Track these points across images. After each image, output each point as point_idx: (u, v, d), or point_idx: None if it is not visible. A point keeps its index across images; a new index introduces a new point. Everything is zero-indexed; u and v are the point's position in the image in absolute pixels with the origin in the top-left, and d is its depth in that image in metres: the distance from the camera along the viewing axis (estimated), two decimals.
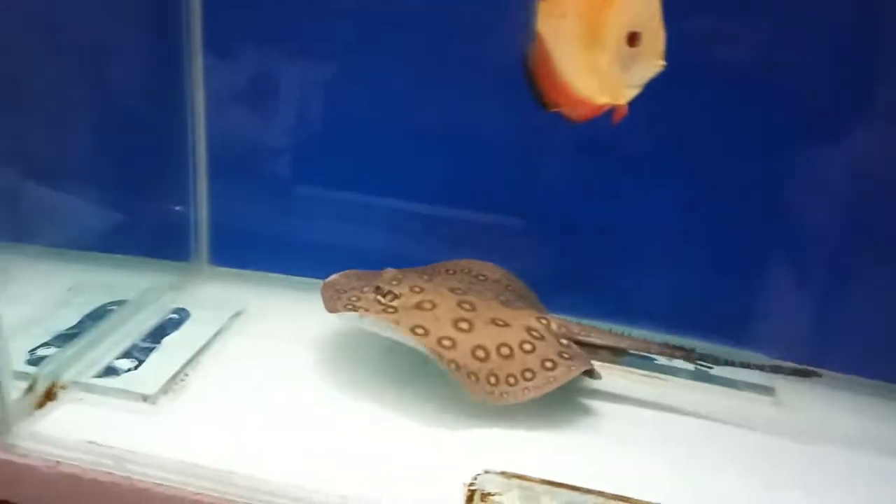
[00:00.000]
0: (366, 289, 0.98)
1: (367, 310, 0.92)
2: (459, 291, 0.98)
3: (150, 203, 1.17)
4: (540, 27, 0.63)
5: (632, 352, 0.99)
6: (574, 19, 0.61)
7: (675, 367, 1.05)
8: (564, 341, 0.95)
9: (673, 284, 1.11)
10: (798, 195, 1.06)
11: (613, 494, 0.76)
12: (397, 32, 1.07)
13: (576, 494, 0.76)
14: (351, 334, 1.06)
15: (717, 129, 1.02)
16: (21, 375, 0.83)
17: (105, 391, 0.87)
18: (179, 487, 0.76)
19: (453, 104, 1.09)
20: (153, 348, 0.96)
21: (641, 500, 0.76)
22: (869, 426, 0.99)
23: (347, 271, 1.03)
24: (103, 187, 1.15)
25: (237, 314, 1.07)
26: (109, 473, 0.78)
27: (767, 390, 1.03)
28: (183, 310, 1.07)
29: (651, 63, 0.60)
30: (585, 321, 1.01)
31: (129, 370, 0.91)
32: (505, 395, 0.88)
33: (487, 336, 0.91)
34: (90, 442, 0.80)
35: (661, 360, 1.05)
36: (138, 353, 0.95)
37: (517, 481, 0.78)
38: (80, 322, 0.98)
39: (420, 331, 0.90)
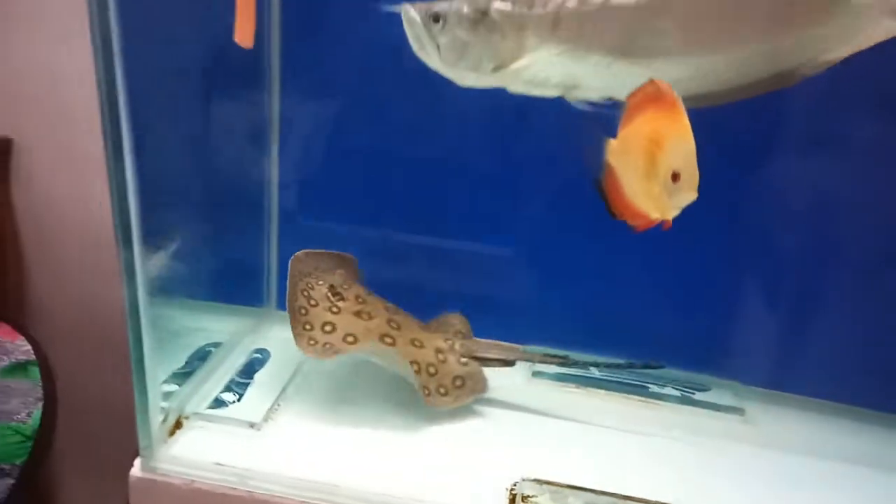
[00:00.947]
0: (321, 282, 1.17)
1: (316, 303, 1.14)
2: (391, 310, 1.19)
3: (231, 254, 1.39)
4: (610, 159, 0.88)
5: (518, 360, 1.24)
6: (636, 157, 0.85)
7: (664, 394, 1.30)
8: (464, 360, 1.19)
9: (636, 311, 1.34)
10: (753, 218, 1.27)
11: (624, 495, 1.01)
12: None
13: (594, 496, 1.01)
14: None
15: None
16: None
17: (219, 420, 1.10)
18: (291, 499, 0.99)
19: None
20: (248, 383, 1.20)
21: (650, 500, 1.00)
22: (823, 438, 1.24)
23: (312, 252, 1.24)
24: (192, 240, 1.35)
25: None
26: (234, 489, 1.00)
27: (738, 410, 1.28)
28: (264, 350, 1.30)
29: (688, 194, 0.83)
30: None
31: (234, 402, 1.15)
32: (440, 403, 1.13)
33: (406, 354, 1.14)
34: (217, 463, 1.02)
35: (654, 388, 1.31)
36: (237, 388, 1.18)
37: (547, 486, 1.03)
38: (187, 362, 1.21)
39: (350, 338, 1.11)
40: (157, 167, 1.04)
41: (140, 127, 0.90)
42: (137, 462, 1.03)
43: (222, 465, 1.02)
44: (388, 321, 1.16)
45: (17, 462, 1.12)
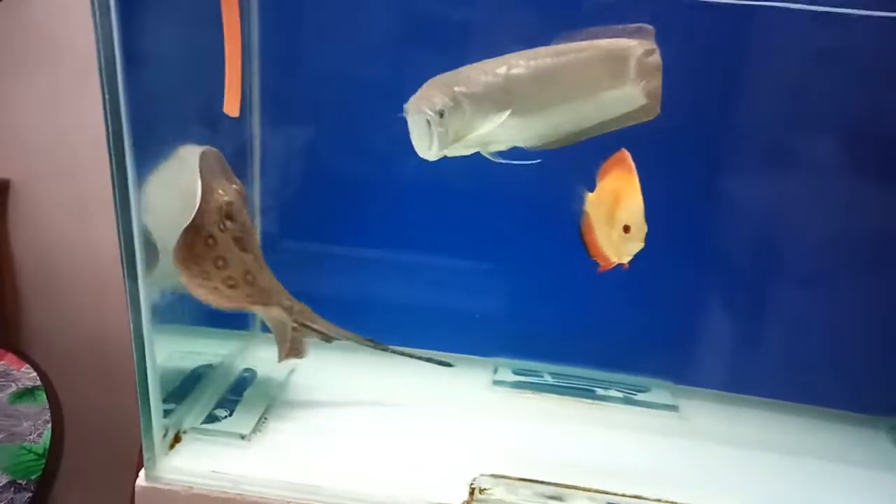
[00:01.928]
0: (225, 194, 1.13)
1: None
2: (248, 262, 1.19)
3: None
4: (588, 208, 1.07)
5: (337, 337, 1.34)
6: (603, 209, 1.04)
7: (609, 396, 1.47)
8: (295, 325, 1.27)
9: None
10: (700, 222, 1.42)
11: (567, 484, 1.17)
12: None
13: (541, 486, 1.16)
14: (398, 385, 1.45)
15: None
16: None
17: (213, 433, 1.24)
18: (279, 500, 1.13)
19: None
20: (238, 400, 1.34)
21: (587, 487, 1.16)
22: (751, 431, 1.40)
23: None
24: None
25: (292, 371, 1.45)
26: (228, 493, 1.14)
27: (673, 408, 1.45)
28: (252, 369, 1.45)
29: (637, 244, 1.02)
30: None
31: (226, 417, 1.29)
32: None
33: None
34: (213, 471, 1.16)
35: (600, 391, 1.48)
36: (228, 404, 1.32)
37: (501, 480, 1.19)
38: (182, 383, 1.35)
39: (221, 262, 1.14)
40: None
41: (141, 167, 1.02)
42: (142, 473, 1.17)
43: (218, 472, 1.16)
44: (245, 273, 1.19)
45: (33, 477, 1.26)
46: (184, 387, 1.34)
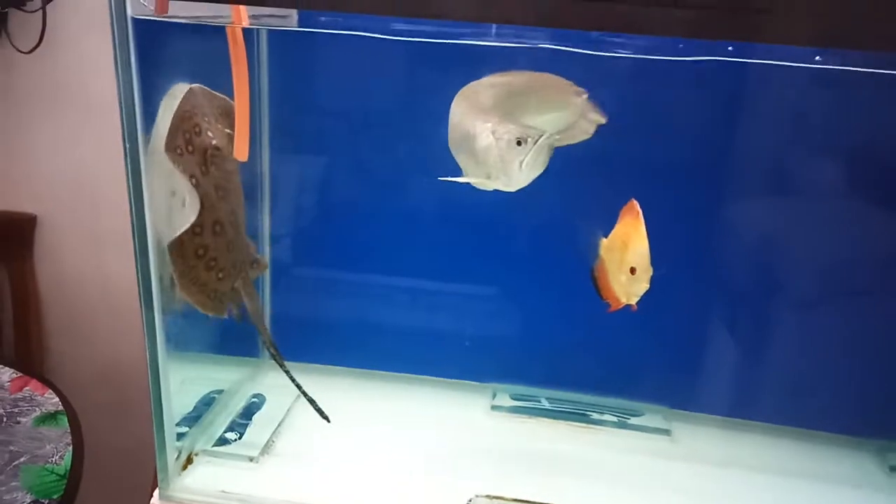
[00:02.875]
0: (210, 133, 1.11)
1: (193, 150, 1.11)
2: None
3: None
4: (602, 252, 1.15)
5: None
6: (615, 254, 1.12)
7: (604, 420, 1.52)
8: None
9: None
10: (692, 249, 1.44)
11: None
12: None
13: None
14: (401, 410, 1.52)
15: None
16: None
17: (224, 455, 1.31)
18: None
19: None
20: (247, 423, 1.41)
21: None
22: (742, 454, 1.44)
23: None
24: None
25: (299, 397, 1.52)
26: None
27: (666, 432, 1.50)
28: (260, 394, 1.52)
29: (642, 285, 1.09)
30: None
31: (236, 440, 1.36)
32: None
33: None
34: (223, 491, 1.23)
35: (595, 416, 1.53)
36: (238, 428, 1.40)
37: (497, 500, 1.24)
38: (195, 407, 1.43)
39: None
40: None
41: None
42: (156, 493, 1.24)
43: (227, 492, 1.23)
44: (214, 223, 1.16)
45: (55, 497, 1.33)
46: (196, 411, 1.41)
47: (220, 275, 1.17)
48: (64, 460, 1.42)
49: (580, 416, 1.52)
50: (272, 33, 1.41)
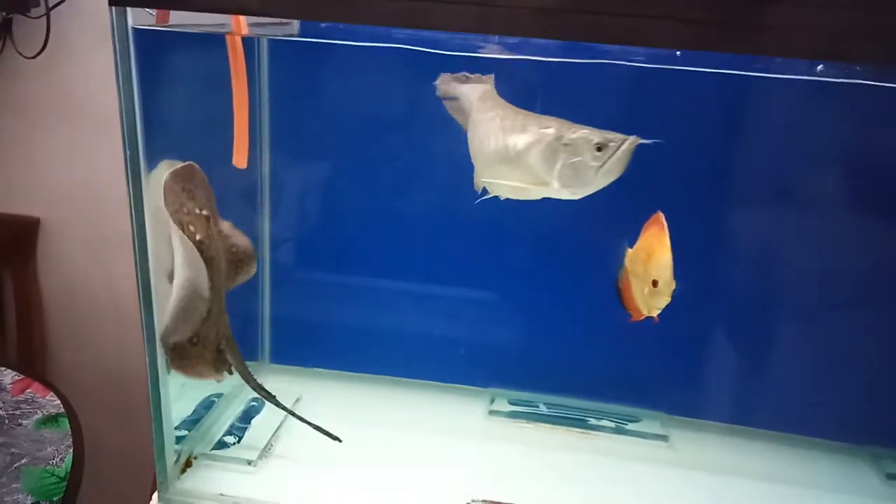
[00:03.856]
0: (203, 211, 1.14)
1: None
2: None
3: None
4: (627, 263, 1.16)
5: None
6: (638, 265, 1.13)
7: (601, 426, 1.53)
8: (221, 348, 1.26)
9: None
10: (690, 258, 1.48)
11: None
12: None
13: None
14: (399, 415, 1.52)
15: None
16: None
17: (223, 459, 1.32)
18: None
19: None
20: (246, 427, 1.42)
21: None
22: (738, 460, 1.45)
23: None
24: None
25: (297, 400, 1.53)
26: None
27: (663, 438, 1.51)
28: (259, 399, 1.52)
29: (664, 298, 1.10)
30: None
31: (234, 444, 1.37)
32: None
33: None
34: (220, 494, 1.24)
35: (592, 421, 1.53)
36: (237, 431, 1.41)
37: None
38: (195, 410, 1.44)
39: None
40: None
41: None
42: (155, 496, 1.25)
43: (225, 495, 1.24)
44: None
45: (55, 499, 1.34)
46: (195, 414, 1.42)
47: (205, 344, 1.21)
48: (65, 462, 1.43)
49: (578, 422, 1.53)
50: (273, 41, 1.42)
